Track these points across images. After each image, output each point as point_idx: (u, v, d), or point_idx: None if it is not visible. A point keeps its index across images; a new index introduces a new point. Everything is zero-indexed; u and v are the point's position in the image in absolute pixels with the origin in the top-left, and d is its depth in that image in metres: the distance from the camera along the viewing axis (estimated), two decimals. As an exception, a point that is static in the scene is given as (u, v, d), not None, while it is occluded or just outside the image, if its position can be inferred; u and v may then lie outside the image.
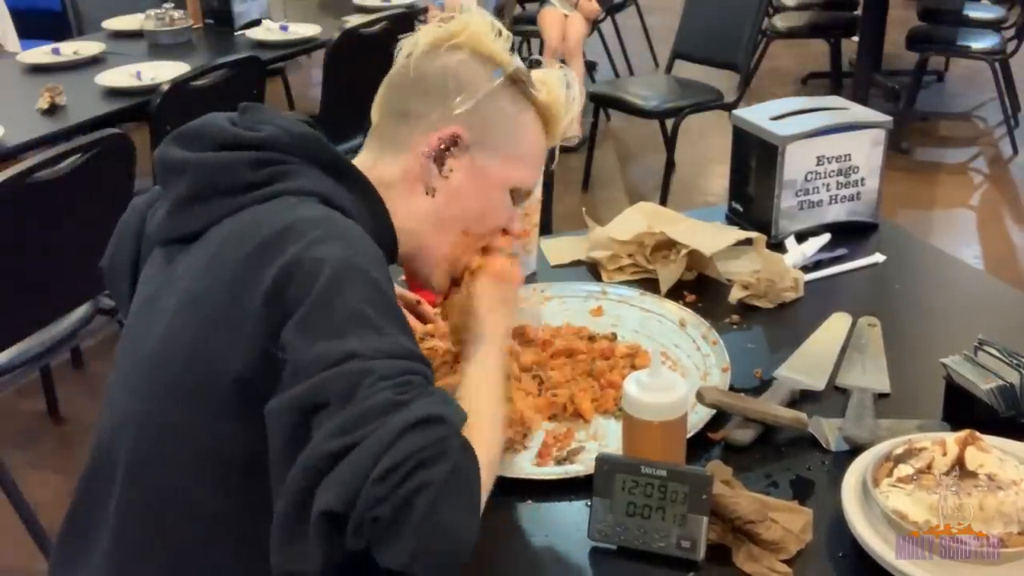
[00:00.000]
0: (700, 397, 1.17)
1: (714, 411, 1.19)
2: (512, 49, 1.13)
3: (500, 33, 1.11)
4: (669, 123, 4.08)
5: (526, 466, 1.14)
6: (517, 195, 1.16)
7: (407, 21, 3.41)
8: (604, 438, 1.19)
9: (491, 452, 0.96)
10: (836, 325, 1.42)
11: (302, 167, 1.03)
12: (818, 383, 1.28)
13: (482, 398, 1.02)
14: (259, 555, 0.91)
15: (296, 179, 1.01)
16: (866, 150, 1.69)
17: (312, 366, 0.86)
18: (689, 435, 1.12)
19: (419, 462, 0.82)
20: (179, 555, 0.98)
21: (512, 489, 1.10)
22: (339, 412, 0.84)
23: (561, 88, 1.15)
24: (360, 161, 1.12)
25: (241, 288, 0.93)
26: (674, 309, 1.43)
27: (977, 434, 1.01)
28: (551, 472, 1.13)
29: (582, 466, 1.13)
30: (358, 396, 0.85)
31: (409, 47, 1.11)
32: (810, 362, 1.33)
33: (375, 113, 1.14)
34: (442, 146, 1.08)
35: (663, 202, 3.94)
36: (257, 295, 0.91)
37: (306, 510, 0.83)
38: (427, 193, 1.10)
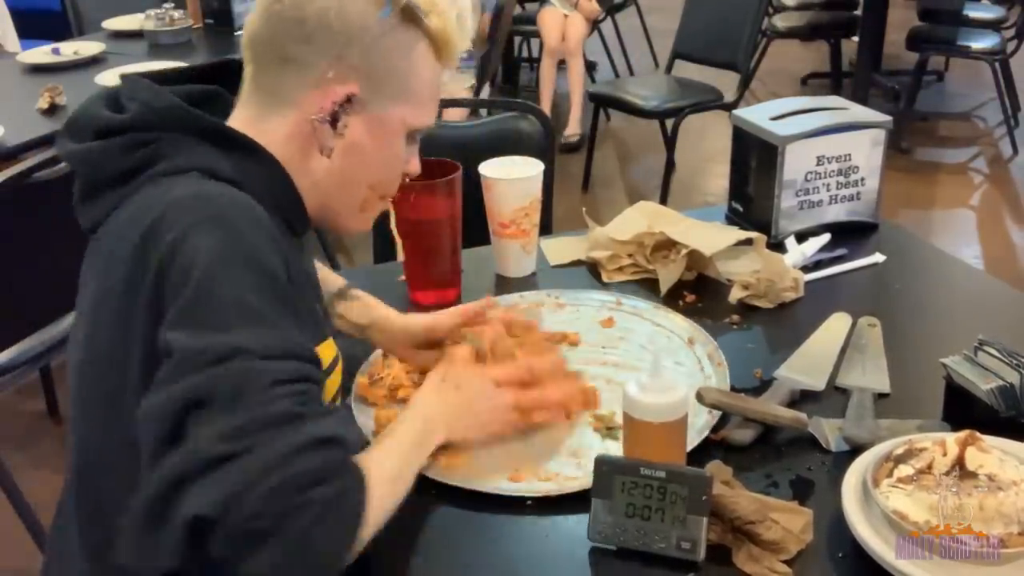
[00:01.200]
0: (700, 397, 1.17)
1: (717, 418, 1.19)
2: None
3: None
4: (669, 123, 4.08)
5: (501, 483, 1.11)
6: (414, 137, 1.09)
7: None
8: (584, 456, 1.16)
9: (383, 484, 0.92)
10: (836, 325, 1.42)
11: (176, 142, 0.97)
12: (818, 383, 1.28)
13: (395, 445, 1.01)
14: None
15: (171, 158, 0.96)
16: (866, 150, 1.69)
17: (192, 360, 0.82)
18: (693, 444, 1.12)
19: (309, 483, 0.80)
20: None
21: (511, 487, 1.10)
22: (225, 414, 0.80)
23: (452, 9, 1.05)
24: (241, 117, 1.03)
25: (133, 284, 0.90)
26: (685, 326, 1.40)
27: (977, 434, 1.01)
28: (523, 489, 1.11)
29: (555, 484, 1.11)
30: (249, 400, 0.81)
31: None
32: (810, 362, 1.33)
33: (247, 50, 1.03)
34: (336, 107, 1.01)
35: (663, 202, 3.94)
36: (145, 289, 0.88)
37: (169, 508, 0.79)
38: (322, 153, 1.02)
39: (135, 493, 0.87)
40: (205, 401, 0.81)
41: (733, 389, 1.25)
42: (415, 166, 1.12)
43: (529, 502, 1.09)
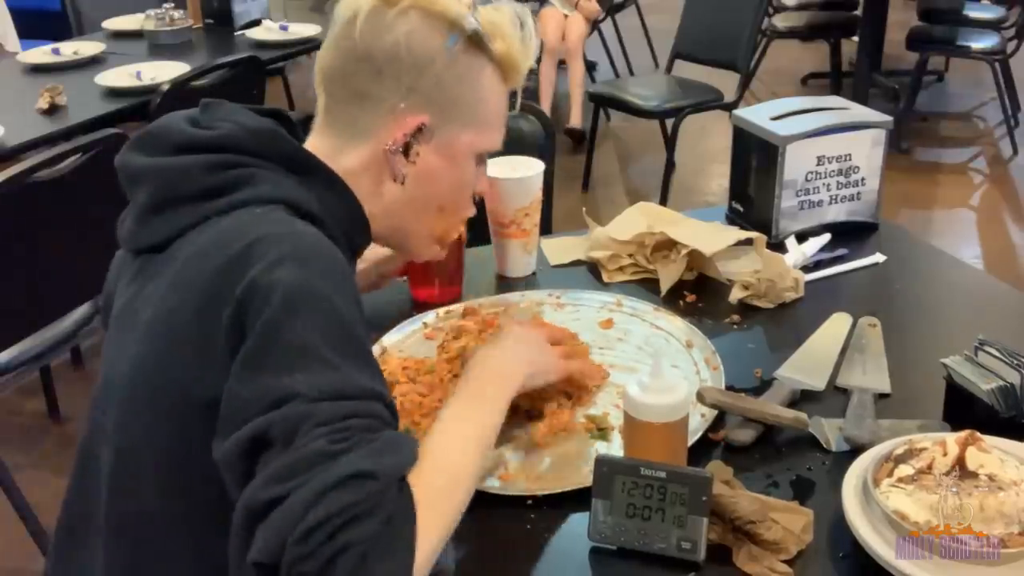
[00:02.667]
0: (700, 397, 1.17)
1: (715, 415, 1.19)
2: None
3: None
4: (669, 123, 4.08)
5: (491, 482, 1.11)
6: (483, 158, 1.13)
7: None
8: (575, 456, 1.15)
9: (443, 490, 0.88)
10: (836, 325, 1.42)
11: (263, 169, 0.98)
12: (818, 383, 1.28)
13: (451, 435, 0.96)
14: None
15: (258, 185, 0.97)
16: (866, 150, 1.69)
17: (254, 404, 0.83)
18: (690, 442, 1.12)
19: (345, 521, 0.78)
20: (168, 566, 0.96)
21: (511, 488, 1.11)
22: (278, 458, 0.81)
23: (516, 31, 1.08)
24: (318, 147, 1.06)
25: (207, 311, 0.89)
26: (684, 329, 1.40)
27: (977, 434, 1.01)
28: (513, 489, 1.11)
29: (545, 484, 1.11)
30: (296, 443, 0.81)
31: (347, 11, 1.03)
32: (810, 362, 1.33)
33: (320, 87, 1.07)
34: (408, 137, 1.04)
35: (663, 202, 3.95)
36: (222, 319, 0.88)
37: (242, 552, 0.81)
38: (396, 180, 1.06)
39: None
40: (264, 444, 0.82)
41: (733, 389, 1.25)
42: (484, 186, 1.16)
43: (529, 501, 1.09)
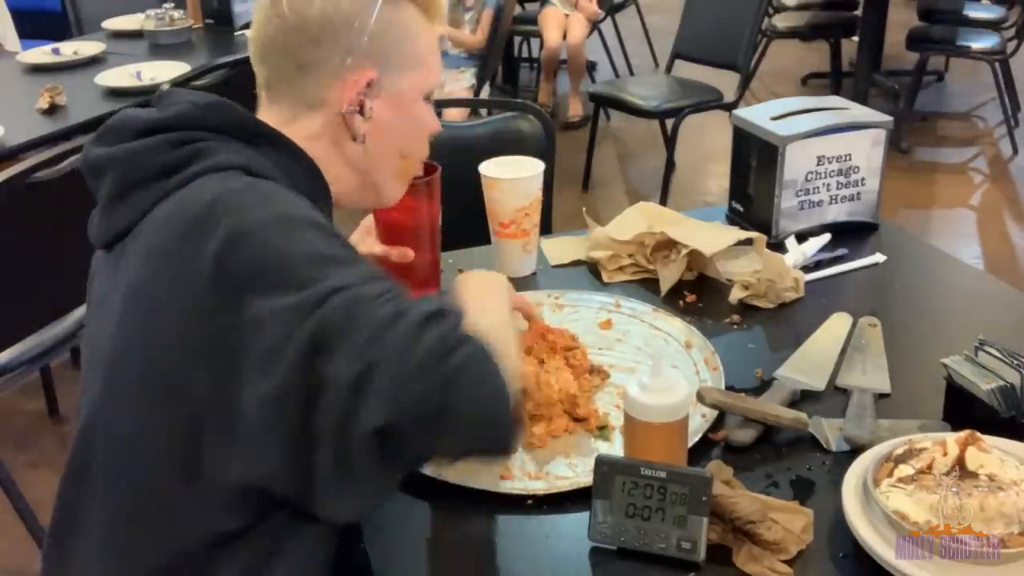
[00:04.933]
0: (700, 397, 1.17)
1: (716, 415, 1.19)
2: None
3: None
4: (669, 123, 4.08)
5: (491, 481, 1.12)
6: (430, 96, 1.15)
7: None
8: (574, 455, 1.16)
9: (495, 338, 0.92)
10: (836, 325, 1.42)
11: (218, 141, 1.01)
12: (818, 383, 1.28)
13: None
14: (243, 546, 0.92)
15: (214, 155, 0.99)
16: (866, 150, 1.69)
17: (295, 318, 0.84)
18: (690, 443, 1.12)
19: (446, 348, 0.83)
20: (167, 554, 0.96)
21: (511, 487, 1.11)
22: (346, 341, 0.83)
23: None
24: (271, 118, 1.08)
25: (180, 272, 0.91)
26: (683, 329, 1.40)
27: (977, 434, 1.01)
28: (513, 488, 1.11)
29: (545, 483, 1.11)
30: (360, 319, 0.84)
31: None
32: (810, 362, 1.33)
33: (259, 64, 1.09)
34: (361, 95, 1.07)
35: (663, 202, 3.95)
36: (202, 277, 0.89)
37: (350, 447, 0.83)
38: (355, 140, 1.09)
39: (185, 474, 0.92)
40: (323, 342, 0.83)
41: (733, 389, 1.25)
42: (436, 124, 1.17)
43: (529, 501, 1.09)
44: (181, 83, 2.72)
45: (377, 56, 1.06)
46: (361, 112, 1.08)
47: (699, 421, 1.18)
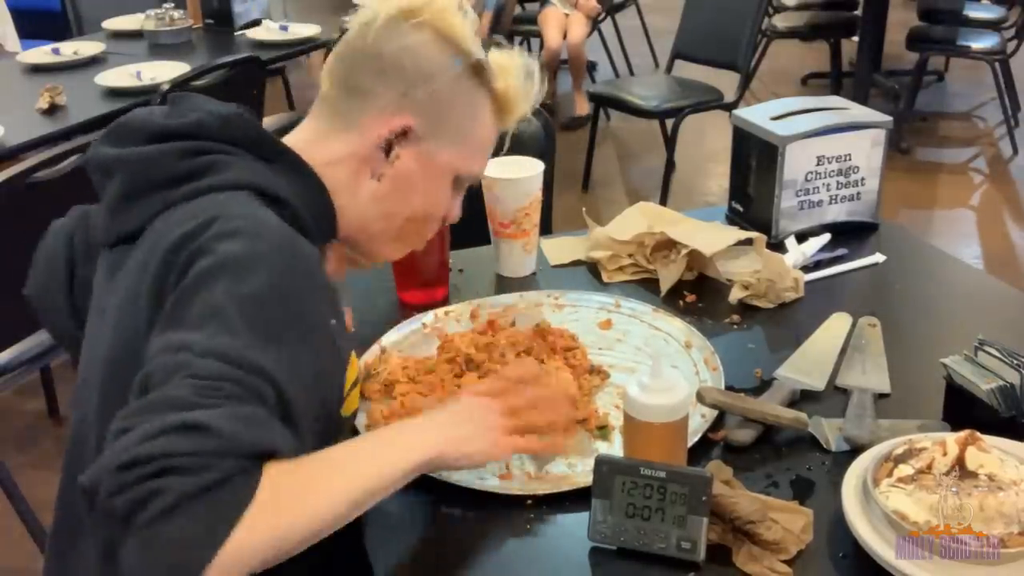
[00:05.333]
0: (700, 397, 1.17)
1: (716, 415, 1.19)
2: (476, 32, 1.10)
3: (466, 13, 1.08)
4: (669, 123, 4.08)
5: (490, 481, 1.12)
6: (460, 183, 1.14)
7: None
8: (574, 455, 1.16)
9: (292, 500, 0.81)
10: (836, 325, 1.42)
11: (232, 156, 1.00)
12: (818, 383, 1.28)
13: (344, 457, 0.90)
14: None
15: (226, 171, 0.98)
16: (866, 150, 1.69)
17: (153, 355, 0.83)
18: (690, 443, 1.12)
19: (170, 466, 0.74)
20: None
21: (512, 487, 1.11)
22: (140, 394, 0.81)
23: (520, 77, 1.12)
24: (305, 131, 1.09)
25: (161, 286, 0.90)
26: (682, 329, 1.40)
27: (977, 434, 1.01)
28: (512, 488, 1.11)
29: (546, 484, 1.11)
30: (161, 386, 0.80)
31: (367, 15, 1.07)
32: (810, 362, 1.33)
33: (325, 79, 1.10)
34: (392, 136, 1.06)
35: (663, 202, 3.95)
36: (168, 288, 0.89)
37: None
38: (372, 177, 1.08)
39: None
40: (145, 385, 0.82)
41: (733, 389, 1.25)
42: (456, 213, 1.17)
43: (529, 501, 1.09)
44: (181, 83, 2.72)
45: (427, 114, 1.06)
46: (387, 153, 1.07)
47: (699, 421, 1.18)
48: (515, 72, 1.12)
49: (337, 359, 0.98)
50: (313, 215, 1.03)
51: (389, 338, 1.40)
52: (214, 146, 1.00)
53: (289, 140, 1.08)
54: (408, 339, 1.41)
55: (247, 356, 0.82)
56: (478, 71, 1.09)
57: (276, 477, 0.79)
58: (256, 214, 0.95)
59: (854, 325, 1.42)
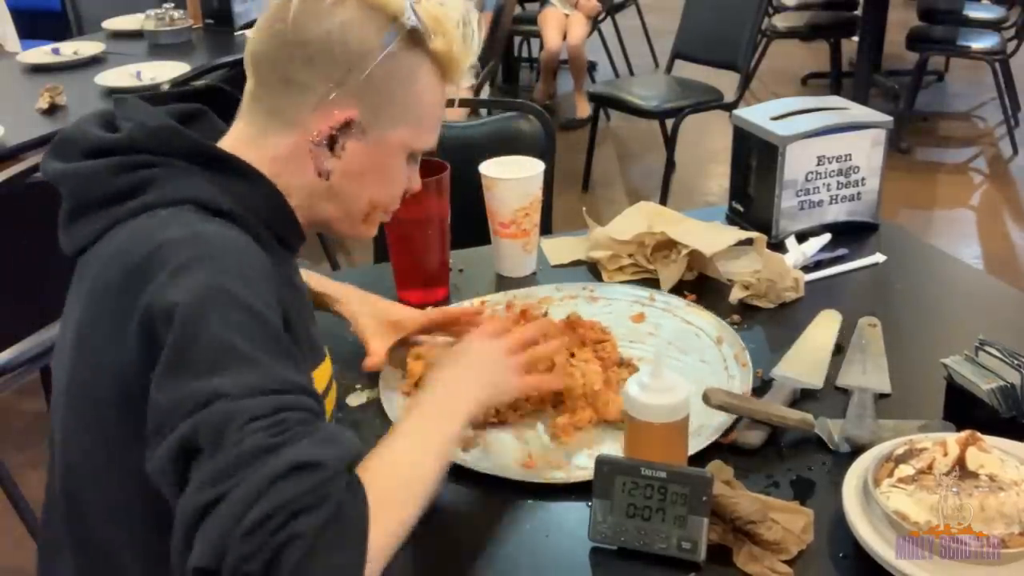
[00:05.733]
0: (707, 399, 1.17)
1: (735, 418, 1.19)
2: None
3: None
4: (669, 123, 4.08)
5: (513, 468, 1.14)
6: (415, 157, 1.08)
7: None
8: (598, 448, 1.17)
9: (396, 491, 0.86)
10: (825, 323, 1.42)
11: (171, 168, 0.95)
12: (816, 381, 1.28)
13: (407, 437, 0.93)
14: None
15: (165, 185, 0.94)
16: (866, 150, 1.69)
17: (177, 410, 0.80)
18: (703, 446, 1.13)
19: (291, 513, 0.75)
20: (128, 568, 0.96)
21: (511, 489, 1.11)
22: (209, 460, 0.78)
23: (458, 29, 1.02)
24: (241, 132, 1.02)
25: (119, 320, 0.87)
26: (715, 324, 1.40)
27: (978, 434, 1.01)
28: (534, 476, 1.13)
29: (564, 473, 1.13)
30: (226, 442, 0.78)
31: None
32: (805, 361, 1.33)
33: (249, 69, 1.02)
34: (333, 132, 1.00)
35: (663, 202, 3.94)
36: (132, 328, 0.86)
37: (183, 561, 0.78)
38: (319, 176, 1.01)
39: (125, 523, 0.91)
40: (194, 449, 0.79)
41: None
42: (416, 184, 1.11)
43: (529, 501, 1.09)
44: (181, 83, 2.72)
45: (368, 99, 1.00)
46: (331, 148, 1.01)
47: (721, 419, 1.18)
48: (451, 25, 1.01)
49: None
50: (266, 220, 0.99)
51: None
52: (149, 159, 0.95)
53: (224, 144, 1.01)
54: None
55: (279, 377, 0.83)
56: (414, 38, 1.00)
57: (372, 479, 0.82)
58: (197, 232, 0.91)
59: (851, 324, 1.42)
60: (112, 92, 2.90)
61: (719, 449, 1.16)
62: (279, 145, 1.01)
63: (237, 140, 1.02)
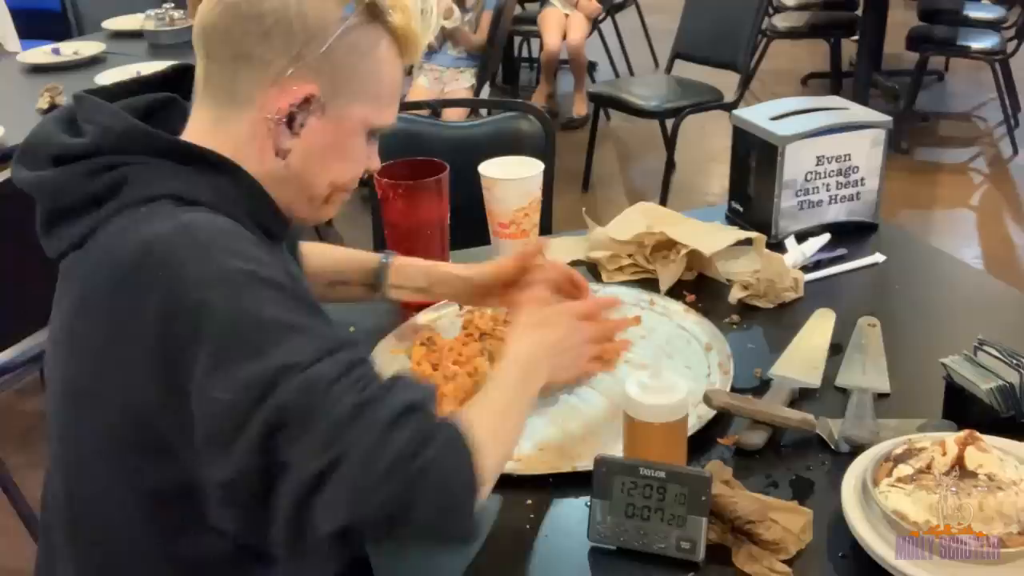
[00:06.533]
0: (708, 400, 1.17)
1: (711, 416, 1.19)
2: None
3: None
4: (669, 123, 4.08)
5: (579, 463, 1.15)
6: (375, 134, 1.05)
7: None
8: None
9: (494, 428, 0.93)
10: (820, 322, 1.42)
11: (143, 166, 0.93)
12: (814, 381, 1.28)
13: (497, 391, 1.00)
14: (208, 562, 0.93)
15: (138, 183, 0.92)
16: (866, 150, 1.69)
17: (243, 399, 0.80)
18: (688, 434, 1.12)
19: (411, 454, 0.80)
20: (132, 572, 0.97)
21: (512, 489, 1.11)
22: (306, 432, 0.79)
23: (416, 4, 1.01)
24: (199, 119, 0.99)
25: (122, 328, 0.87)
26: (708, 332, 1.39)
27: (977, 434, 1.01)
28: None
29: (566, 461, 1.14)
30: (319, 410, 0.80)
31: None
32: (801, 360, 1.33)
33: (199, 48, 0.98)
34: (292, 109, 0.97)
35: (663, 202, 3.94)
36: (142, 334, 0.84)
37: (303, 536, 0.80)
38: (277, 155, 0.98)
39: (132, 526, 0.92)
40: (280, 429, 0.80)
41: (734, 389, 1.25)
42: (375, 163, 1.09)
43: (529, 501, 1.09)
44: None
45: (327, 75, 0.97)
46: (290, 126, 0.98)
47: (695, 420, 1.18)
48: (409, 0, 1.01)
49: None
50: (248, 211, 0.97)
51: (425, 317, 1.44)
52: (119, 159, 0.93)
53: (187, 135, 0.99)
54: (438, 322, 1.44)
55: (330, 336, 0.86)
56: (372, 12, 0.98)
57: (475, 418, 0.90)
58: (181, 222, 0.89)
59: (853, 325, 1.42)
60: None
61: (715, 448, 1.16)
62: (238, 126, 0.98)
63: (197, 129, 1.00)
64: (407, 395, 0.84)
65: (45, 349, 1.01)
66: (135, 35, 3.51)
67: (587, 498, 1.04)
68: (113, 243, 0.90)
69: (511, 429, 0.99)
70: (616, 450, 1.10)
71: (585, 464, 1.09)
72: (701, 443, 1.16)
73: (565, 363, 1.12)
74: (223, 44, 0.96)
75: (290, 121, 0.98)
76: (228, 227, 0.92)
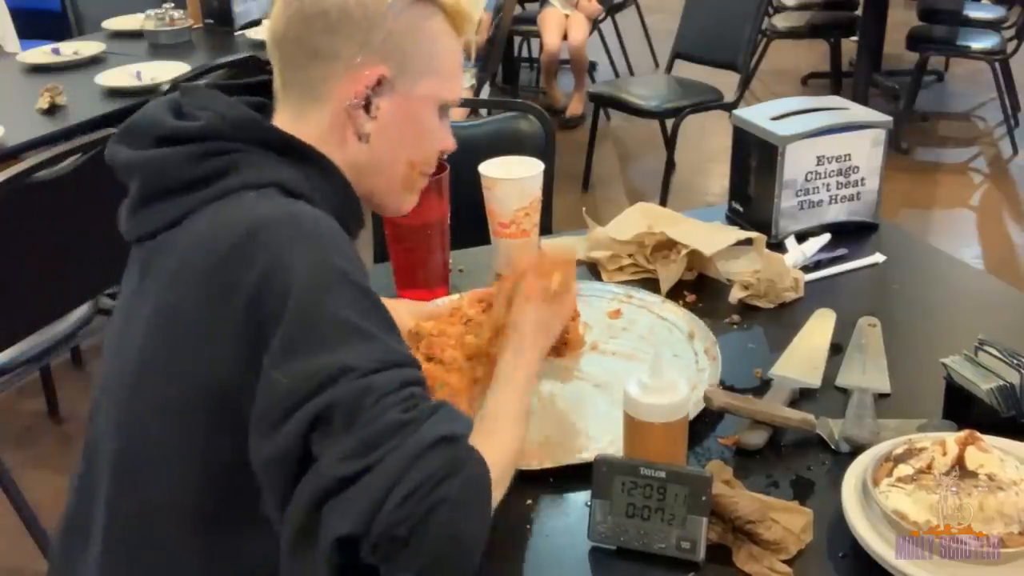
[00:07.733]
0: (708, 401, 1.17)
1: (701, 408, 1.19)
2: None
3: None
4: (669, 123, 4.08)
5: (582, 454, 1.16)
6: (444, 110, 1.12)
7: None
8: None
9: (504, 455, 0.96)
10: (820, 322, 1.42)
11: (250, 154, 0.98)
12: (814, 381, 1.28)
13: (501, 403, 1.03)
14: (249, 556, 0.92)
15: (247, 170, 0.97)
16: (866, 150, 1.69)
17: (302, 387, 0.84)
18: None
19: (436, 482, 0.82)
20: (169, 560, 0.97)
21: (511, 489, 1.10)
22: (344, 435, 0.83)
23: None
24: (281, 119, 1.05)
25: (216, 301, 0.90)
26: (687, 320, 1.42)
27: (977, 434, 1.01)
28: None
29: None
30: (363, 417, 0.83)
31: None
32: (802, 360, 1.33)
33: (274, 57, 1.06)
34: (369, 90, 1.03)
35: (663, 202, 3.95)
36: (235, 308, 0.88)
37: (312, 532, 0.83)
38: (360, 140, 1.05)
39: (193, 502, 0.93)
40: (324, 424, 0.84)
41: (734, 389, 1.25)
42: (450, 140, 1.14)
43: (529, 501, 1.09)
44: (181, 83, 2.71)
45: (393, 56, 1.03)
46: (367, 109, 1.04)
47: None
48: None
49: None
50: (335, 206, 1.01)
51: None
52: (228, 146, 0.98)
53: None
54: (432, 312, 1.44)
55: (397, 351, 0.89)
56: None
57: (488, 450, 0.90)
58: (293, 211, 0.94)
59: (853, 325, 1.42)
60: (112, 92, 2.90)
61: (719, 449, 1.16)
62: (318, 120, 1.04)
63: (283, 127, 1.04)
64: (447, 425, 0.86)
65: (113, 332, 1.04)
66: (135, 35, 3.51)
67: (587, 497, 1.04)
68: (218, 222, 0.94)
69: (514, 447, 1.01)
70: (602, 433, 1.10)
71: (583, 457, 1.10)
72: (701, 442, 1.16)
73: (549, 334, 1.16)
74: (296, 48, 1.03)
75: (367, 105, 1.04)
76: (331, 223, 0.96)
